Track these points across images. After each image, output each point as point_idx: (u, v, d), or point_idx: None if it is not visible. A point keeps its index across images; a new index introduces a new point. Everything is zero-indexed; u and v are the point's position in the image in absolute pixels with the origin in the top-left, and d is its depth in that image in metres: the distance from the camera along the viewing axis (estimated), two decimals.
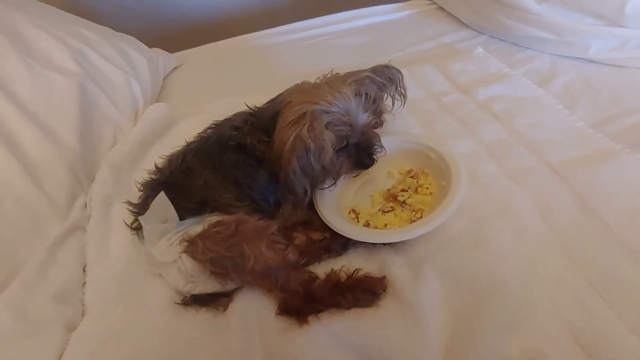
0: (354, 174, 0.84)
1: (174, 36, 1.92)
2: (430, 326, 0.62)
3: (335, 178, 0.80)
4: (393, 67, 0.83)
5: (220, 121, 0.82)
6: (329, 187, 0.79)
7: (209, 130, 0.81)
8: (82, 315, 0.74)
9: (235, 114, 0.82)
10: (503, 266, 0.67)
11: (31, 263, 0.77)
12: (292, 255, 0.70)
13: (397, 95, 0.85)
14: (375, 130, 0.84)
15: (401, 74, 0.84)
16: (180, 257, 0.68)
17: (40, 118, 0.92)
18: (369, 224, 0.78)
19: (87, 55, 1.11)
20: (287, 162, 0.70)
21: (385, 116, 0.87)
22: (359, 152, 0.79)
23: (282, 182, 0.72)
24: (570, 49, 1.21)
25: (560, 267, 0.67)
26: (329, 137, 0.71)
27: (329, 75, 0.81)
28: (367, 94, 0.78)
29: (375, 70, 0.81)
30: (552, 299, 0.63)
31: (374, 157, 0.80)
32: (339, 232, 0.73)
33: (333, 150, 0.73)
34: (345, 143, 0.76)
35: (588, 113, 1.00)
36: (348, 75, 0.79)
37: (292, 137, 0.69)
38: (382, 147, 0.83)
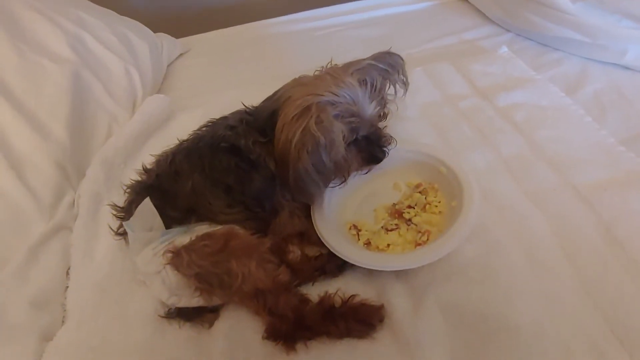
0: (366, 170, 0.79)
1: (181, 19, 1.86)
2: None
3: (346, 176, 0.75)
4: (394, 54, 0.79)
5: (217, 119, 0.77)
6: (338, 185, 0.75)
7: (204, 129, 0.77)
8: (62, 321, 0.71)
9: (233, 113, 0.78)
10: (514, 304, 0.61)
11: (11, 264, 0.73)
12: (283, 276, 0.66)
13: (399, 83, 0.80)
14: (380, 123, 0.79)
15: (402, 59, 0.79)
16: (164, 268, 0.64)
17: (28, 108, 0.88)
18: (370, 242, 0.73)
19: (83, 40, 1.06)
20: (297, 159, 0.64)
21: (389, 107, 0.82)
22: (370, 146, 0.74)
23: (292, 183, 0.66)
24: (603, 54, 1.12)
25: (579, 308, 0.61)
26: (339, 129, 0.66)
27: (328, 66, 0.76)
28: (372, 83, 0.73)
29: (376, 57, 0.77)
30: (567, 346, 0.57)
31: (385, 149, 0.75)
32: (336, 254, 0.67)
33: (345, 143, 0.68)
34: (355, 136, 0.71)
35: (619, 127, 0.92)
36: (349, 65, 0.73)
37: (299, 132, 0.63)
38: (393, 137, 0.77)
